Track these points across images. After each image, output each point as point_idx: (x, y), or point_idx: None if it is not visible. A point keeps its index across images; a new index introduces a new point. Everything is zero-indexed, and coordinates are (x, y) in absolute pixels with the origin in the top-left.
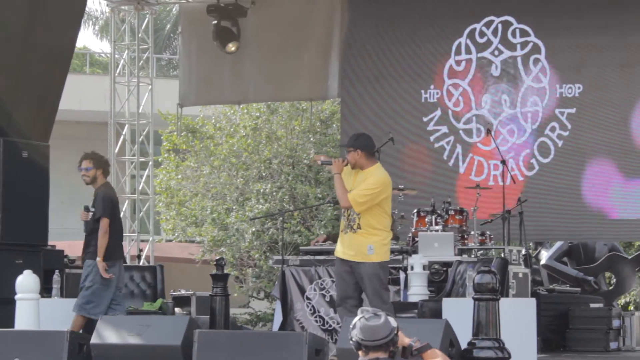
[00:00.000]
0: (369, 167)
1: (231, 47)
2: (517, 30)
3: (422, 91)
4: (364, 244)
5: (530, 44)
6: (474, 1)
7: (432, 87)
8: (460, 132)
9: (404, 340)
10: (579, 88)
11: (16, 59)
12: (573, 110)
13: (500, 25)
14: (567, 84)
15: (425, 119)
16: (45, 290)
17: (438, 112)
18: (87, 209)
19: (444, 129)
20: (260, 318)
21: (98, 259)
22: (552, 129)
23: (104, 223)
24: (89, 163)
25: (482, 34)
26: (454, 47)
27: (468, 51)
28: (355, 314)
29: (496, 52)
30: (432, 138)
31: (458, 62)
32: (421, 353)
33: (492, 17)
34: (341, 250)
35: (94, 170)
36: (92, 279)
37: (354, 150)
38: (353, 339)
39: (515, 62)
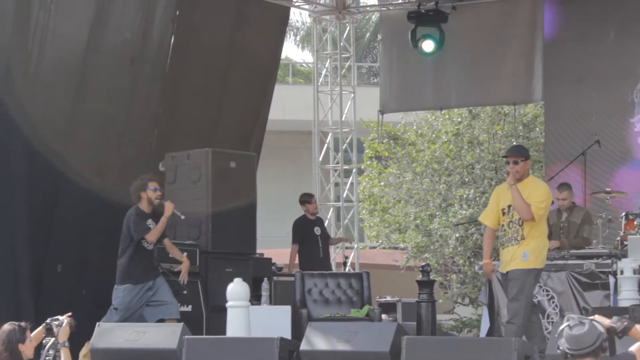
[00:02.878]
0: (526, 178)
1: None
2: None
3: (629, 92)
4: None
5: None
6: None
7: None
8: None
9: (604, 322)
10: None
11: (223, 71)
12: None
13: None
14: None
15: (632, 120)
16: (255, 298)
17: None
18: None
19: None
20: (466, 324)
21: None
22: None
23: None
24: None
25: None
26: None
27: None
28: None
29: None
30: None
31: None
32: (626, 333)
33: None
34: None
35: None
36: None
37: (524, 160)
38: (560, 348)
39: None
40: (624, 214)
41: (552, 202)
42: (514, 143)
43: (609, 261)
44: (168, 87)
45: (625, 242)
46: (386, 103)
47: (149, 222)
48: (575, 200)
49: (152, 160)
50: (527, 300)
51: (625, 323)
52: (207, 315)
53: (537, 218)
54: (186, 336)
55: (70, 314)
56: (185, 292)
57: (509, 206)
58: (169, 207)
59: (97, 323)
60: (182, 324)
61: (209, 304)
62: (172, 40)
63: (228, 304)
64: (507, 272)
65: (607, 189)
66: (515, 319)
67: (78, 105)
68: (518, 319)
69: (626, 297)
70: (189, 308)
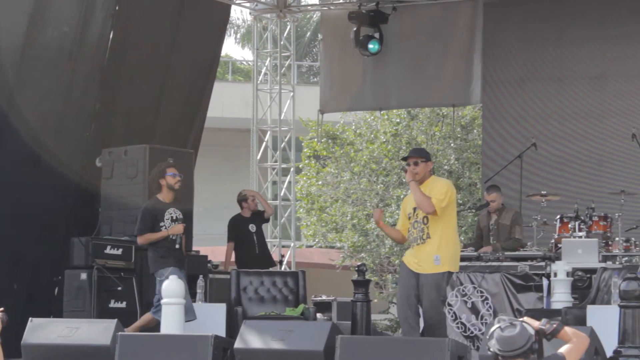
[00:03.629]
0: (428, 179)
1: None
2: None
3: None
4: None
5: None
6: (628, 30)
7: None
8: (616, 128)
9: (533, 324)
10: None
11: (162, 68)
12: None
13: None
14: None
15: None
16: (190, 295)
17: (597, 115)
18: None
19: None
20: (399, 324)
21: None
22: None
23: None
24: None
25: None
26: None
27: None
28: None
29: None
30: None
31: None
32: (555, 335)
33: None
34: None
35: None
36: None
37: (424, 162)
38: (491, 349)
39: None
40: (558, 216)
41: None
42: (452, 145)
43: (542, 263)
44: (106, 82)
45: (559, 245)
46: (326, 103)
47: (170, 211)
48: (511, 203)
49: (89, 155)
50: (443, 304)
51: (555, 325)
52: (141, 312)
53: (440, 211)
54: (120, 333)
55: (2, 309)
56: (119, 288)
57: (414, 208)
58: (177, 229)
59: (30, 318)
60: (115, 320)
61: (144, 300)
62: (111, 35)
63: (163, 301)
64: (419, 275)
65: (542, 192)
66: (441, 324)
67: (14, 98)
68: (443, 323)
69: (559, 300)
70: (123, 304)
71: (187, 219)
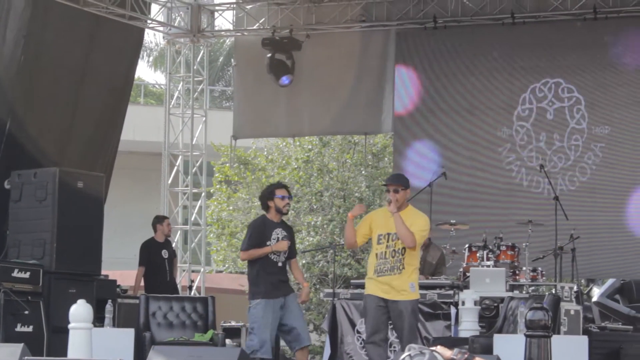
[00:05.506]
0: (406, 208)
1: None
2: (565, 88)
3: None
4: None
5: (574, 98)
6: (534, 64)
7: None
8: (525, 159)
9: (446, 353)
10: (607, 129)
11: (74, 91)
12: (603, 145)
13: (553, 85)
14: (599, 125)
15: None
16: (98, 320)
17: (508, 146)
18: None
19: (512, 157)
20: (309, 350)
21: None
22: (589, 157)
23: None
24: (286, 192)
25: (540, 90)
26: (520, 100)
27: (531, 102)
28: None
29: (550, 103)
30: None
31: (523, 110)
32: None
33: (547, 79)
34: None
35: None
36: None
37: (404, 189)
38: None
39: (563, 110)
40: (467, 245)
41: None
42: (363, 172)
43: (451, 292)
44: (17, 104)
45: (468, 274)
46: (239, 129)
47: (278, 231)
48: None
49: None
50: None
51: (466, 355)
52: (48, 336)
53: (418, 247)
54: (26, 357)
55: None
56: (26, 312)
57: (389, 234)
58: (281, 245)
59: None
60: (22, 344)
61: (51, 324)
62: (22, 58)
63: (70, 326)
64: (397, 302)
65: (451, 221)
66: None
67: None
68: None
69: (466, 328)
70: (30, 328)
71: (96, 242)
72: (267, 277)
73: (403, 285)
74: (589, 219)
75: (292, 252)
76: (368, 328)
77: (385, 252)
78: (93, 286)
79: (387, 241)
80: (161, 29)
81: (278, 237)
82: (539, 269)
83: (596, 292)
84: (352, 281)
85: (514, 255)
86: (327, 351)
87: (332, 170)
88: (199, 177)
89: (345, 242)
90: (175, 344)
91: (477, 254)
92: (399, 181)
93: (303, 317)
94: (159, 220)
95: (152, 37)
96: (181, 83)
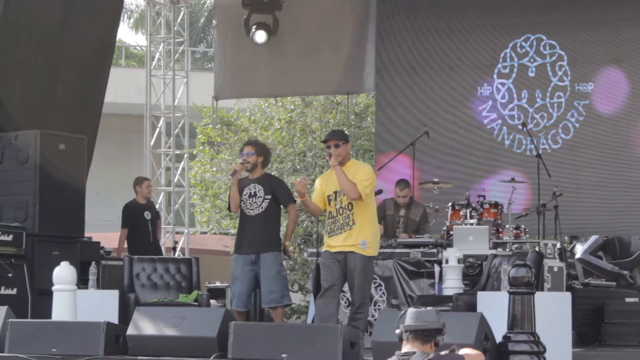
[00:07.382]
0: (348, 162)
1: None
2: (547, 44)
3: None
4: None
5: (556, 54)
6: (516, 21)
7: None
8: (506, 117)
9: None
10: (590, 86)
11: (55, 51)
12: (587, 102)
13: (535, 41)
14: (582, 83)
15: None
16: (82, 282)
17: (489, 103)
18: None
19: (493, 115)
20: (295, 311)
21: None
22: (572, 115)
23: (294, 209)
24: (251, 149)
25: (522, 47)
26: (500, 56)
27: (512, 59)
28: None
29: (532, 60)
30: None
31: (504, 67)
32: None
33: (528, 35)
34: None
35: (255, 157)
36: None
37: (344, 144)
38: (400, 327)
39: (545, 67)
40: (450, 204)
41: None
42: (346, 132)
43: (434, 250)
44: None
45: (451, 232)
46: (220, 89)
47: (251, 186)
48: None
49: None
50: (369, 288)
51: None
52: (32, 299)
53: (364, 197)
54: (10, 319)
55: None
56: (10, 274)
57: (335, 192)
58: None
59: None
60: (6, 307)
61: (35, 287)
62: (1, 18)
63: (54, 288)
64: (346, 254)
65: (434, 179)
66: (363, 308)
67: None
68: (365, 308)
69: (450, 286)
70: (14, 291)
71: (79, 204)
72: (239, 231)
73: (354, 242)
74: (573, 177)
75: (272, 203)
76: (323, 284)
77: (333, 210)
78: (76, 248)
79: (335, 199)
80: None
81: (249, 193)
82: (522, 226)
83: (579, 249)
84: None
85: (497, 213)
86: (312, 311)
87: (315, 130)
88: (181, 138)
89: (314, 216)
90: (160, 305)
91: (460, 212)
92: (338, 136)
93: (275, 278)
94: (138, 182)
95: None
96: (162, 44)
